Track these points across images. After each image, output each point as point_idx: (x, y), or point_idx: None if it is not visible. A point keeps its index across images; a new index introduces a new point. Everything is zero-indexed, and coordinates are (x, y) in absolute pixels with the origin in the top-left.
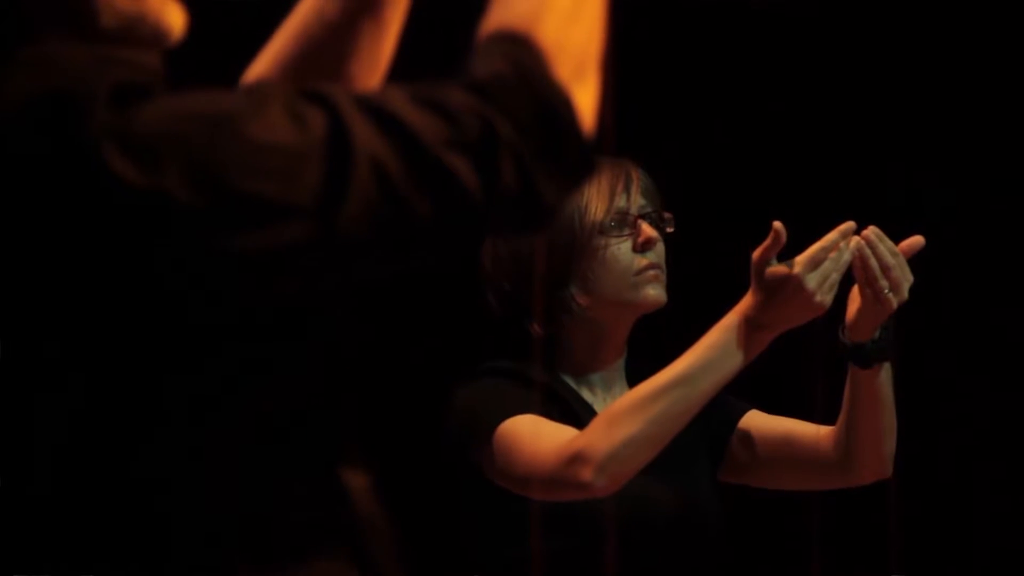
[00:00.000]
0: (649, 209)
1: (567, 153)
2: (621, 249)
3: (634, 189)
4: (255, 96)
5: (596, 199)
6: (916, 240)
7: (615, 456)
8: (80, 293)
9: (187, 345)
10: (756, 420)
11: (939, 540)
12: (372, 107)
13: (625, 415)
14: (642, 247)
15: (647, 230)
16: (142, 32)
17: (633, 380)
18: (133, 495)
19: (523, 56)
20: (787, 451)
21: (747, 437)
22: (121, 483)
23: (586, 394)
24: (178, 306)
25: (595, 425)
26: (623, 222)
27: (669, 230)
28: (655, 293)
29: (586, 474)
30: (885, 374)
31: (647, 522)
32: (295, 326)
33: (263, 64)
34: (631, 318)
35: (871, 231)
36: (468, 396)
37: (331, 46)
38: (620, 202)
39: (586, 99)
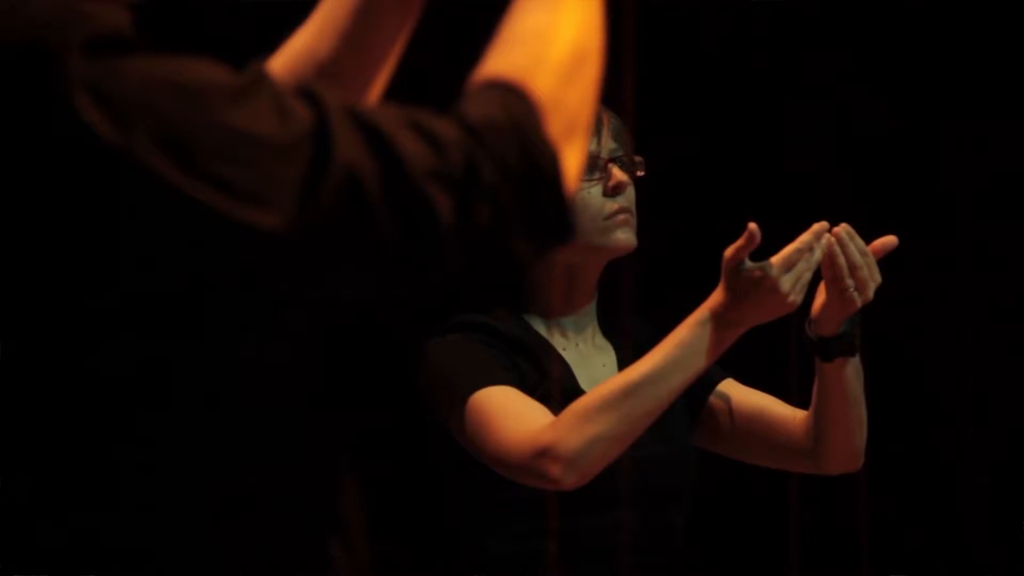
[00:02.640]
0: (620, 153)
1: (546, 209)
2: (591, 193)
3: (604, 132)
4: (245, 79)
5: None
6: (889, 240)
7: (584, 454)
8: (44, 246)
9: (162, 322)
10: (733, 389)
11: (911, 536)
12: (363, 119)
13: (595, 412)
14: (612, 191)
15: (617, 174)
16: None
17: (605, 326)
18: (130, 494)
19: (517, 106)
20: (759, 427)
21: (722, 404)
22: (118, 481)
23: (557, 338)
24: (138, 268)
25: (566, 420)
26: (593, 166)
27: (640, 173)
28: (625, 237)
29: (555, 470)
30: (852, 368)
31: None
32: (268, 316)
33: (283, 52)
34: (601, 262)
35: (842, 228)
36: (439, 358)
37: (350, 35)
38: (590, 145)
39: (572, 160)
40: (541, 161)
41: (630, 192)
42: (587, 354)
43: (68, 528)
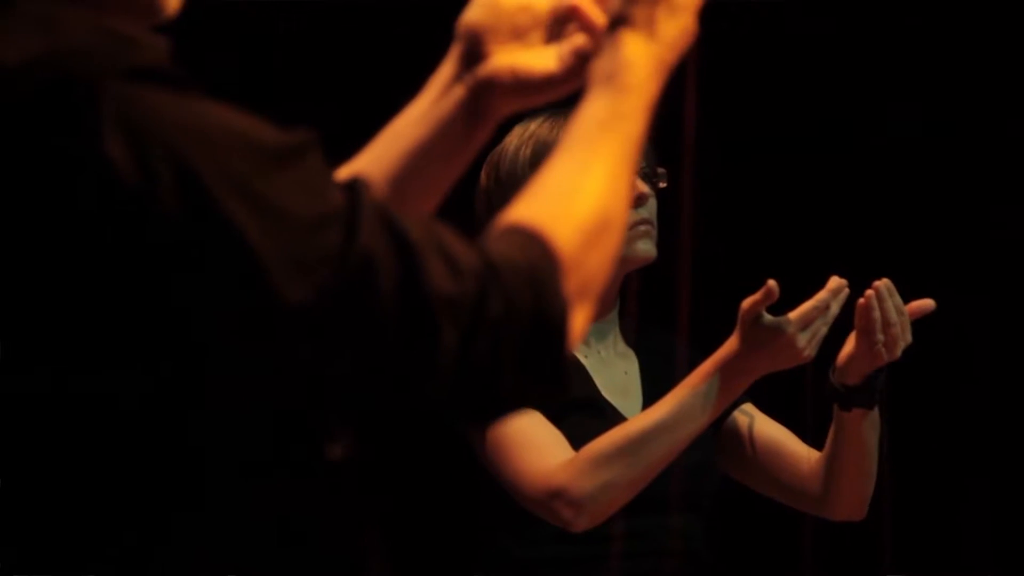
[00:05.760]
0: (642, 164)
1: (545, 359)
2: None
3: None
4: (288, 145)
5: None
6: (926, 303)
7: (596, 499)
8: (58, 274)
9: (171, 343)
10: (754, 416)
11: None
12: (393, 219)
13: (609, 458)
14: (635, 203)
15: (639, 186)
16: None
17: (627, 331)
18: (131, 494)
19: (538, 254)
20: (771, 460)
21: (740, 428)
22: (119, 482)
23: (578, 346)
24: (148, 296)
25: (580, 463)
26: None
27: (661, 185)
28: (645, 248)
29: (567, 513)
30: (870, 421)
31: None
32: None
33: (363, 157)
34: (622, 272)
35: (883, 284)
36: None
37: (404, 172)
38: None
39: (579, 321)
40: (550, 311)
41: (652, 204)
42: (609, 361)
43: (77, 532)
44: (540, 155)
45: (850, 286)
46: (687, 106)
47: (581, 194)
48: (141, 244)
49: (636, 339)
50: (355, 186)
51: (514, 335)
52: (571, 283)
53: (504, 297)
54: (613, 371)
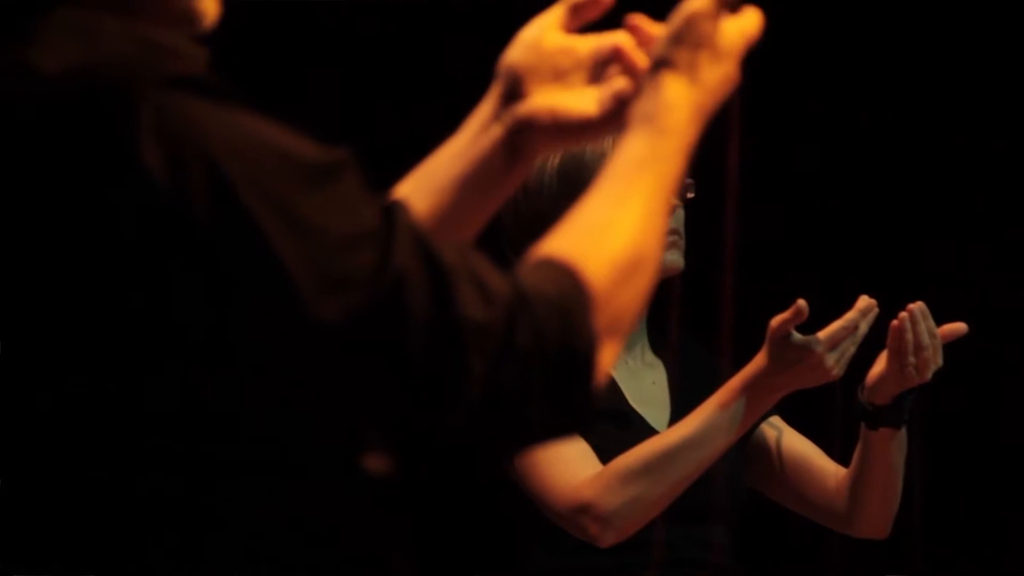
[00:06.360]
0: None
1: (571, 392)
2: None
3: None
4: (326, 162)
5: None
6: (958, 327)
7: (622, 515)
8: (82, 280)
9: (195, 348)
10: (782, 431)
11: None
12: (427, 242)
13: (636, 474)
14: None
15: None
16: (172, 8)
17: (655, 341)
18: (134, 496)
19: (570, 287)
20: (798, 475)
21: (767, 443)
22: (121, 483)
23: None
24: (172, 306)
25: (607, 478)
26: None
27: (689, 195)
28: (672, 258)
29: (594, 529)
30: (897, 441)
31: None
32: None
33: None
34: None
35: (918, 307)
36: None
37: (444, 208)
38: None
39: (607, 357)
40: (579, 344)
41: (679, 214)
42: (636, 370)
43: (77, 532)
44: (567, 163)
45: (883, 305)
46: (731, 129)
47: (615, 231)
48: (173, 252)
49: (667, 346)
50: (392, 207)
51: (541, 366)
52: (601, 318)
53: (534, 328)
54: (641, 381)
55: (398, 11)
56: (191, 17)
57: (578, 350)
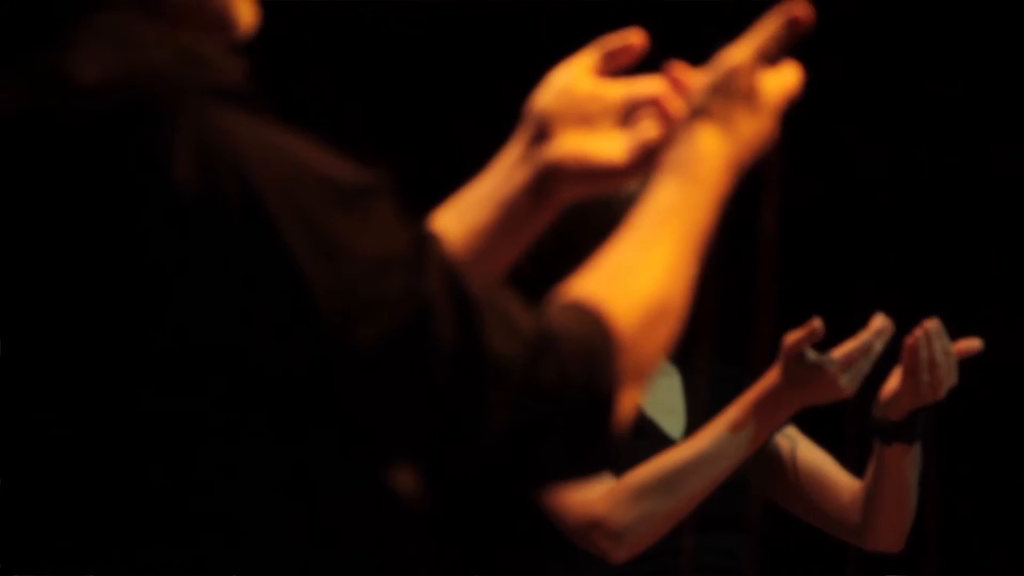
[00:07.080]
0: None
1: (590, 435)
2: None
3: None
4: (360, 186)
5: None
6: (973, 344)
7: (634, 531)
8: (96, 283)
9: (207, 356)
10: (797, 442)
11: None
12: (456, 274)
13: (648, 490)
14: None
15: None
16: (207, 15)
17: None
18: (136, 496)
19: (595, 331)
20: (813, 487)
21: (782, 454)
22: (123, 484)
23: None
24: (188, 313)
25: (619, 494)
26: None
27: None
28: None
29: (606, 544)
30: (910, 457)
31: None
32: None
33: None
34: None
35: (932, 325)
36: None
37: (478, 240)
38: None
39: (627, 403)
40: (601, 387)
41: None
42: (652, 379)
43: (77, 533)
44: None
45: (903, 320)
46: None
47: (643, 276)
48: (201, 264)
49: (689, 358)
50: (424, 235)
51: (562, 406)
52: (625, 363)
53: (557, 367)
54: (656, 389)
55: (441, 30)
56: (225, 24)
57: (600, 393)
